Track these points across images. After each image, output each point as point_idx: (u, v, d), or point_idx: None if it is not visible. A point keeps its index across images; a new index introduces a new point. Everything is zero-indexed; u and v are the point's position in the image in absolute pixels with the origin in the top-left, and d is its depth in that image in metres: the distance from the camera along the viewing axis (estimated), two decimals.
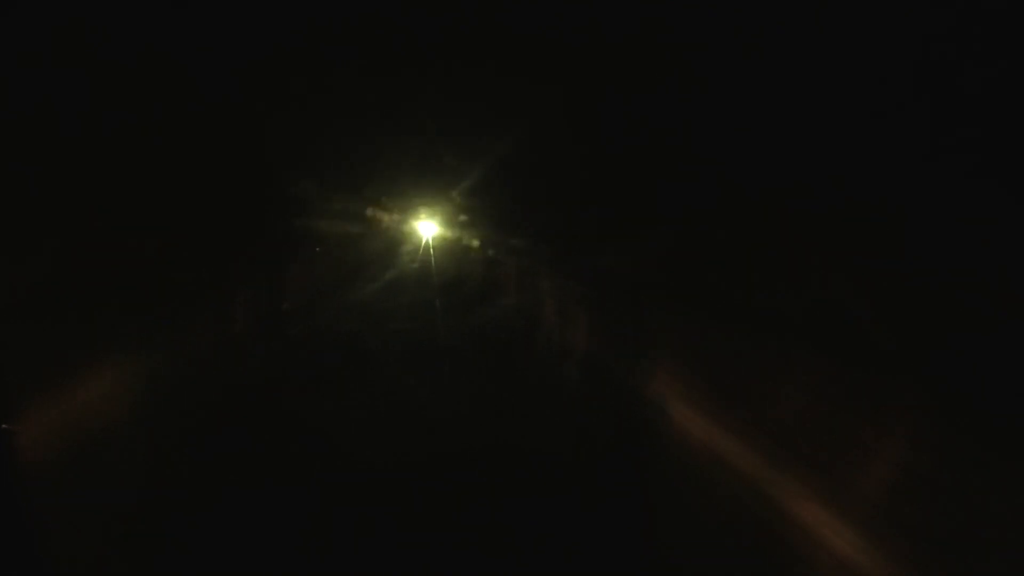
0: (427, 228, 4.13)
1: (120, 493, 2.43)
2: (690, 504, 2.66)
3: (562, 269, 2.96)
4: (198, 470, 2.60)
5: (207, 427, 2.73)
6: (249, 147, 2.66)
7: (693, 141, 2.58)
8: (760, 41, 2.31)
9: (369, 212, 3.85)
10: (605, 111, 2.60)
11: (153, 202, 2.57)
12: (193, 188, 2.67)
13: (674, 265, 2.61)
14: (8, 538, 1.98)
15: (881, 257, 2.44)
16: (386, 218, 3.87)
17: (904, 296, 2.41)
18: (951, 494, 2.24)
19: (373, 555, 2.54)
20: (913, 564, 2.27)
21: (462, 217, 3.51)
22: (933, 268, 2.32)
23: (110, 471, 2.41)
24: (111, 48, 2.33)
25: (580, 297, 2.98)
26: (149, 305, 2.62)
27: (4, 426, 1.94)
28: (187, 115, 2.50)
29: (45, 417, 2.27)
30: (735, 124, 2.49)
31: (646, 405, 2.66)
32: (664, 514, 2.65)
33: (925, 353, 2.35)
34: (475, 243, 3.73)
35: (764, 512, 2.48)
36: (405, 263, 4.25)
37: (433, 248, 4.10)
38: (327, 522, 2.61)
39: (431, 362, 3.23)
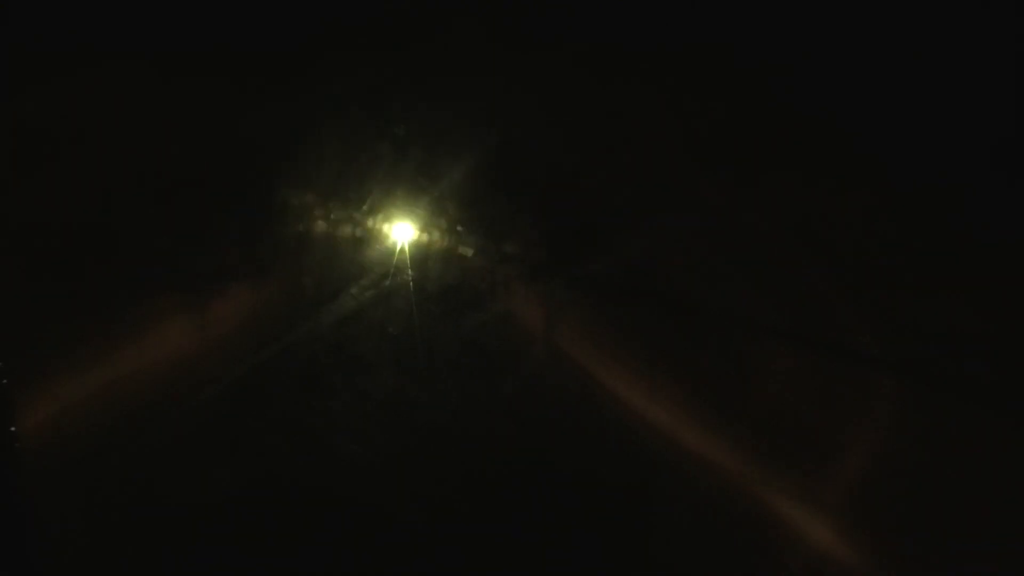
0: (403, 231, 4.08)
1: (119, 494, 2.39)
2: (677, 508, 2.70)
3: (547, 274, 2.97)
4: (190, 472, 2.56)
5: (200, 429, 2.68)
6: (210, 146, 2.62)
7: (684, 142, 2.64)
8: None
9: (340, 214, 3.80)
10: (591, 111, 2.64)
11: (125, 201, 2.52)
12: (157, 189, 2.62)
13: (664, 270, 2.66)
14: (8, 539, 1.93)
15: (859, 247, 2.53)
16: (358, 220, 3.83)
17: (885, 283, 2.50)
18: (935, 487, 2.34)
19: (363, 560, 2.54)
20: (895, 559, 2.36)
21: (441, 220, 3.51)
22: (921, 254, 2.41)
23: (108, 472, 2.37)
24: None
25: (566, 303, 2.99)
26: (135, 306, 2.56)
27: (11, 428, 1.89)
28: (141, 115, 2.45)
29: (46, 418, 2.21)
30: (722, 118, 2.55)
31: (634, 411, 2.70)
32: (651, 517, 2.69)
33: (908, 345, 2.45)
34: (455, 247, 3.72)
35: (749, 511, 2.54)
36: (379, 269, 4.18)
37: (409, 253, 4.05)
38: (314, 529, 2.58)
39: (410, 371, 3.20)
